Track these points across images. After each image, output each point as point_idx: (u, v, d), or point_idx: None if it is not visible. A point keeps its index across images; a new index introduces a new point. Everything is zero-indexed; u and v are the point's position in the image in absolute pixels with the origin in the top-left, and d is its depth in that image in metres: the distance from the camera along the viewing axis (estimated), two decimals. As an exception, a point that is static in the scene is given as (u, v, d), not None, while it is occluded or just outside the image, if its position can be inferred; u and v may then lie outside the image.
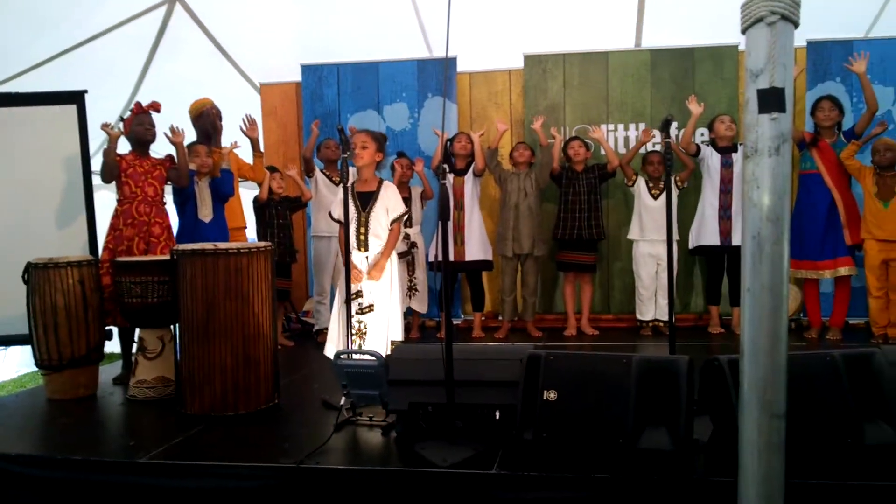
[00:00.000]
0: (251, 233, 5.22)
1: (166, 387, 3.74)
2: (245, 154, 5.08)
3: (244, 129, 4.90)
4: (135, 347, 3.93)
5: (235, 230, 4.85)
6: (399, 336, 3.80)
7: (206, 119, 4.73)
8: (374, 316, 3.74)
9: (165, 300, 3.67)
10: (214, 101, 4.84)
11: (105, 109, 5.07)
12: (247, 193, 5.30)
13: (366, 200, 3.79)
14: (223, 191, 4.57)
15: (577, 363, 2.74)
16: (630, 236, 5.21)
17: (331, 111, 5.78)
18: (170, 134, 4.23)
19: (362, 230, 3.76)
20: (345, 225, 3.58)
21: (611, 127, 5.50)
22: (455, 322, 5.58)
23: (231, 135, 4.94)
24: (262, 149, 5.01)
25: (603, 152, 5.32)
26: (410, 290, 5.20)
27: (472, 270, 5.28)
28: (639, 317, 5.21)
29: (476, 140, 5.16)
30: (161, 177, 4.25)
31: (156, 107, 4.22)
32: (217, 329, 3.34)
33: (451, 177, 5.19)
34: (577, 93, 5.54)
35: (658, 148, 5.31)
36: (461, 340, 4.96)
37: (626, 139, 5.47)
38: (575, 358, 2.77)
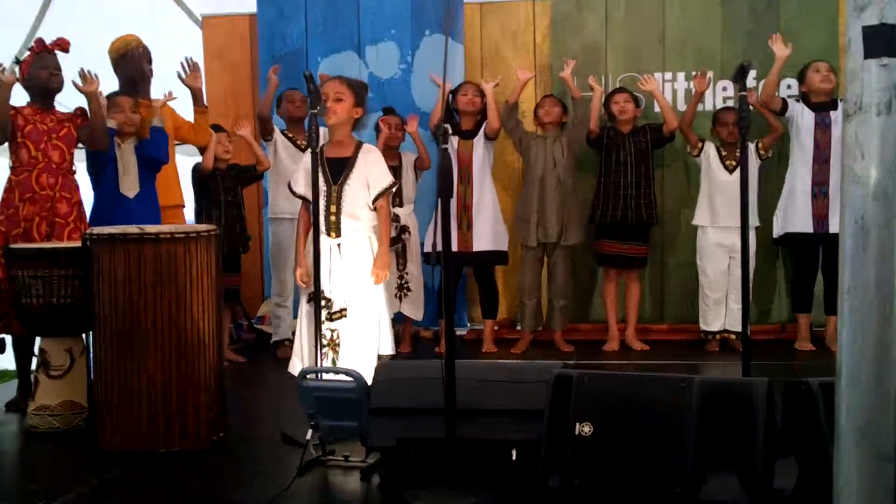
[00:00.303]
0: (190, 213, 5.22)
1: (76, 414, 3.74)
2: (184, 109, 5.07)
3: (182, 76, 4.89)
4: (35, 363, 3.94)
5: (170, 209, 4.84)
6: (386, 350, 3.81)
7: (131, 62, 4.72)
8: (349, 323, 3.74)
9: (75, 301, 3.67)
10: (142, 38, 4.84)
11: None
12: (185, 161, 5.30)
13: (338, 169, 3.78)
14: (154, 156, 4.56)
15: (620, 387, 2.74)
16: (695, 221, 5.21)
17: (296, 53, 5.77)
18: (80, 81, 4.22)
19: (333, 209, 3.76)
20: (312, 202, 3.57)
21: (668, 76, 5.49)
22: (459, 332, 5.59)
23: (165, 84, 4.93)
24: (205, 102, 5.00)
25: (657, 109, 5.31)
26: (401, 289, 5.21)
27: (481, 265, 5.28)
28: (703, 326, 5.22)
29: (489, 92, 5.15)
30: (70, 137, 4.23)
31: (63, 45, 4.20)
32: (144, 339, 3.34)
33: (454, 140, 5.18)
34: (623, 30, 5.53)
35: (731, 104, 5.30)
36: (467, 356, 4.95)
37: (689, 93, 5.45)
38: (617, 380, 2.77)
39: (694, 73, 5.30)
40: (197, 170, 5.00)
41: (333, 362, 3.72)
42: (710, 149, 5.14)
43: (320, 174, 3.63)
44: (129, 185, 4.46)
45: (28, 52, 4.21)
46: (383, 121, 5.16)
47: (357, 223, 3.77)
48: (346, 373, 3.16)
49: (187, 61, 4.88)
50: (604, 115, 5.25)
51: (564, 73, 5.14)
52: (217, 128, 5.08)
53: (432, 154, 5.24)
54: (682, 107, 5.44)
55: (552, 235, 5.12)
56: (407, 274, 5.21)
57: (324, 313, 3.66)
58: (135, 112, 4.48)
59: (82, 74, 4.20)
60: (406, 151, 5.31)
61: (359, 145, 3.84)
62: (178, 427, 3.39)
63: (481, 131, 5.17)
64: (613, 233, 5.16)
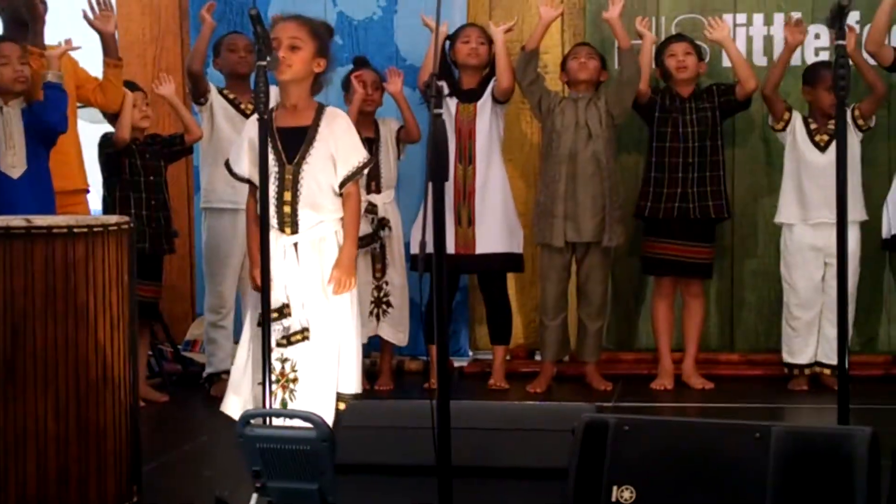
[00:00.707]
0: (97, 201, 5.22)
1: (-61, 472, 3.73)
2: (90, 61, 5.08)
3: (90, 17, 4.89)
4: None
5: (68, 195, 4.84)
6: (348, 388, 3.81)
7: None
8: (309, 350, 3.75)
9: (-61, 318, 3.67)
10: None
11: None
12: (90, 131, 5.31)
13: (294, 143, 3.79)
14: (49, 123, 4.57)
15: (673, 438, 2.74)
16: (779, 218, 5.23)
17: (238, -16, 5.79)
18: None
19: (287, 196, 3.77)
20: (260, 187, 3.58)
21: (740, 19, 5.50)
22: (457, 363, 5.60)
23: (64, 28, 4.93)
24: (118, 53, 5.00)
25: (727, 63, 5.32)
26: (378, 304, 5.22)
27: (488, 272, 5.29)
28: (787, 358, 5.24)
29: (498, 39, 5.16)
30: None
31: None
32: (31, 371, 3.33)
33: (452, 103, 5.19)
34: (682, -42, 5.56)
35: (826, 58, 5.31)
36: (468, 396, 4.96)
37: (769, 41, 5.45)
38: (670, 429, 2.77)
39: (797, 18, 5.26)
40: (107, 142, 5.00)
41: (284, 403, 3.73)
42: (796, 120, 5.15)
43: (270, 150, 3.64)
44: (13, 162, 4.47)
45: None
46: (357, 77, 5.17)
47: (320, 215, 3.78)
48: (304, 417, 3.15)
49: None
50: (655, 72, 5.26)
51: (610, 13, 5.13)
52: (132, 86, 5.09)
53: (422, 123, 5.25)
54: (759, 61, 5.45)
55: (586, 234, 5.12)
56: (387, 284, 5.23)
57: (275, 336, 3.67)
58: (24, 63, 4.48)
59: None
60: (386, 118, 5.32)
61: (320, 109, 3.84)
62: (76, 488, 3.38)
63: (487, 91, 5.19)
64: (668, 230, 5.17)
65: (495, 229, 5.18)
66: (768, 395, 5.05)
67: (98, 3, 4.88)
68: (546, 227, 5.17)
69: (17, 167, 4.47)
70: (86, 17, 4.87)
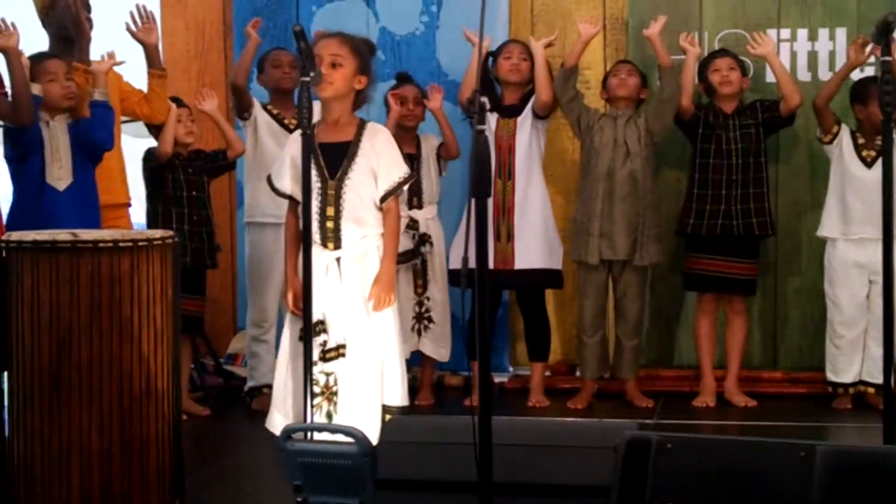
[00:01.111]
0: (139, 214, 5.26)
1: (-15, 483, 3.77)
2: (133, 74, 5.12)
3: (133, 30, 4.94)
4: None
5: (112, 209, 4.89)
6: (394, 400, 3.83)
7: (65, 12, 4.78)
8: (350, 365, 3.76)
9: (-15, 330, 3.71)
10: None
11: None
12: (133, 145, 5.35)
13: (336, 158, 3.82)
14: (97, 140, 4.62)
15: (716, 456, 2.73)
16: (822, 232, 5.20)
17: (283, 1, 5.83)
18: None
19: (330, 211, 3.78)
20: (302, 202, 3.60)
21: (785, 34, 5.48)
22: (498, 379, 5.59)
23: (108, 43, 4.98)
24: (161, 64, 5.05)
25: (771, 79, 5.29)
26: (420, 320, 5.23)
27: (527, 288, 5.28)
28: (831, 376, 5.20)
29: (539, 53, 5.16)
30: None
31: None
32: (75, 384, 3.36)
33: (492, 118, 5.19)
34: (726, -27, 5.54)
35: (871, 73, 5.27)
36: (509, 412, 4.96)
37: (813, 56, 5.43)
38: (713, 447, 2.75)
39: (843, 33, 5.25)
40: (151, 157, 5.04)
41: (329, 416, 3.74)
42: (844, 135, 5.11)
43: (312, 165, 3.67)
44: (60, 175, 4.51)
45: None
46: (394, 94, 5.18)
47: (363, 230, 3.81)
48: (346, 432, 3.16)
49: (140, 10, 4.94)
50: (698, 87, 5.24)
51: (651, 29, 5.13)
52: (177, 102, 5.12)
53: (463, 138, 5.26)
54: (803, 77, 5.42)
55: (621, 251, 5.10)
56: (428, 300, 5.23)
57: (316, 351, 3.68)
58: (70, 79, 4.53)
59: None
60: (427, 134, 5.33)
61: (362, 125, 3.87)
62: (120, 502, 3.40)
63: (528, 106, 5.19)
64: (711, 246, 5.15)
65: (534, 245, 5.17)
66: (812, 414, 5.01)
67: (140, 16, 4.93)
68: (582, 245, 5.16)
69: (63, 180, 4.51)
70: (129, 29, 4.92)
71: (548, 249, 5.20)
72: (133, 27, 4.92)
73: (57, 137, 4.52)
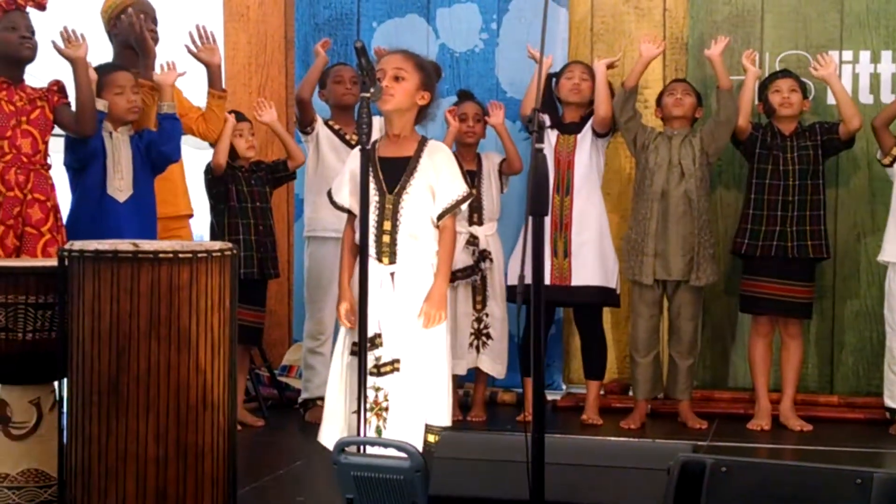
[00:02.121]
0: (201, 226, 5.30)
1: (42, 487, 3.80)
2: (192, 91, 5.18)
3: (193, 49, 4.99)
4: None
5: (173, 220, 4.94)
6: (445, 419, 3.83)
7: (129, 30, 4.82)
8: (401, 380, 3.77)
9: (46, 338, 3.74)
10: None
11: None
12: (196, 157, 5.41)
13: (395, 173, 3.83)
14: (165, 153, 4.67)
15: (771, 481, 2.70)
16: (883, 257, 5.14)
17: (344, 17, 5.88)
18: (61, 44, 4.34)
19: (387, 226, 3.80)
20: (360, 217, 3.62)
21: (847, 56, 5.44)
22: (551, 397, 5.58)
23: (171, 56, 5.03)
24: (222, 85, 5.09)
25: (832, 100, 5.24)
26: (479, 336, 5.23)
27: (583, 306, 5.26)
28: (889, 402, 5.13)
29: (600, 70, 5.15)
30: (44, 120, 4.35)
31: (39, 0, 4.32)
32: (134, 392, 3.38)
33: (552, 135, 5.19)
34: (787, -7, 5.51)
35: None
36: (562, 430, 4.94)
37: (876, 78, 5.38)
38: (768, 471, 2.73)
39: None
40: (209, 171, 5.09)
41: (378, 432, 3.74)
42: (904, 157, 5.06)
43: (371, 179, 3.68)
44: (121, 186, 4.55)
45: None
46: (452, 111, 5.19)
47: (420, 246, 3.81)
48: (398, 446, 3.17)
49: (201, 30, 4.98)
50: (758, 106, 5.21)
51: (712, 50, 5.10)
52: (238, 116, 5.17)
53: (522, 154, 5.26)
54: (865, 99, 5.38)
55: (675, 272, 5.07)
56: (487, 316, 5.22)
57: (370, 365, 3.69)
58: (136, 93, 4.58)
59: (65, 35, 4.32)
60: (489, 152, 5.33)
61: (423, 141, 3.88)
62: (174, 509, 3.44)
63: (588, 124, 5.18)
64: (766, 268, 5.10)
65: (591, 262, 5.15)
66: (868, 440, 4.95)
67: (201, 36, 4.97)
68: (636, 264, 5.14)
69: (123, 191, 4.56)
70: (190, 50, 4.96)
71: (604, 267, 5.17)
72: (194, 47, 4.97)
73: (119, 149, 4.57)
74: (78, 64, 4.31)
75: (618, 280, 5.22)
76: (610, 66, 5.20)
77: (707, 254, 5.10)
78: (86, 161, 4.53)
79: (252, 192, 5.09)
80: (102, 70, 4.60)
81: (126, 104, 4.55)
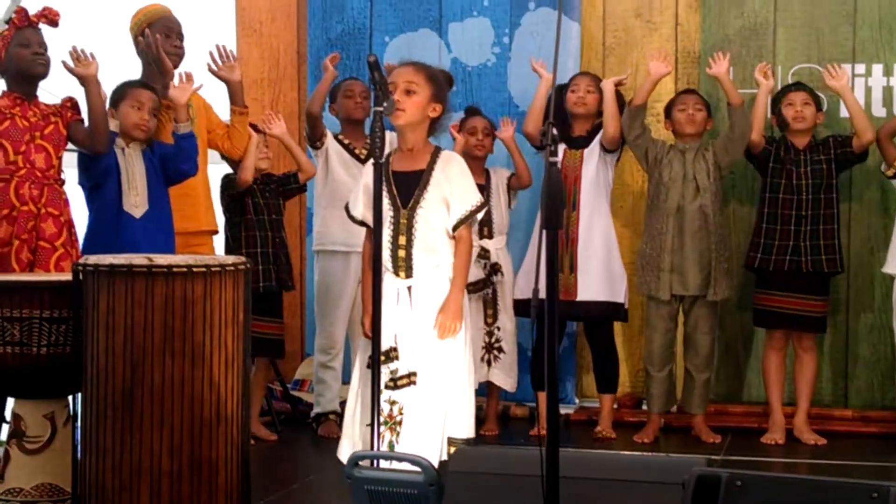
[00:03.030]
0: (221, 243, 5.28)
1: (56, 502, 3.80)
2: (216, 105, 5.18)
3: (215, 69, 5.00)
4: (5, 431, 4.04)
5: (195, 236, 4.91)
6: (462, 432, 3.82)
7: (147, 51, 4.80)
8: (417, 394, 3.77)
9: (61, 352, 3.76)
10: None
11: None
12: (211, 171, 5.41)
13: (409, 186, 3.83)
14: (182, 170, 4.67)
15: (787, 495, 2.68)
16: (888, 269, 5.11)
17: (356, 31, 5.90)
18: (71, 62, 4.35)
19: (402, 240, 3.80)
20: (374, 232, 3.62)
21: (860, 69, 5.43)
22: (564, 411, 5.56)
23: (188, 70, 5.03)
24: (244, 101, 5.08)
25: (845, 113, 5.24)
26: (490, 350, 5.22)
27: (592, 319, 5.25)
28: (904, 416, 5.11)
29: (608, 88, 5.13)
30: (57, 136, 4.37)
31: (51, 17, 4.34)
32: (147, 406, 3.40)
33: (560, 149, 5.14)
34: (801, 4, 5.50)
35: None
36: (575, 444, 4.94)
37: (889, 91, 5.37)
38: (783, 485, 2.71)
39: None
40: (230, 184, 5.08)
41: (391, 447, 3.74)
42: (909, 169, 5.05)
43: (384, 194, 3.68)
44: (136, 202, 4.56)
45: (6, 26, 4.33)
46: (456, 126, 5.17)
47: (436, 258, 3.81)
48: (411, 460, 3.17)
49: (221, 49, 4.99)
50: (770, 119, 5.19)
51: (716, 68, 5.09)
52: (252, 128, 5.16)
53: (535, 169, 5.26)
54: (878, 112, 5.36)
55: (692, 287, 5.06)
56: (498, 330, 5.21)
57: (385, 378, 3.69)
58: (154, 115, 4.57)
59: (74, 54, 4.34)
60: (497, 167, 5.33)
61: (436, 153, 3.88)
62: (188, 524, 3.44)
63: (596, 139, 5.17)
64: (780, 283, 5.09)
65: (597, 277, 5.12)
66: (883, 454, 4.92)
67: (221, 55, 4.98)
68: (652, 280, 5.12)
69: (139, 207, 4.56)
70: (210, 69, 4.97)
71: (610, 282, 5.15)
72: (214, 66, 4.98)
73: (133, 165, 4.57)
74: (89, 82, 4.33)
75: (626, 294, 5.21)
76: (618, 84, 5.18)
77: (722, 268, 5.08)
78: (100, 179, 4.53)
79: (267, 204, 5.09)
80: (129, 84, 4.62)
81: (137, 119, 4.53)
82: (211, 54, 4.97)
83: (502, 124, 5.26)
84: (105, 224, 4.54)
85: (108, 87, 4.55)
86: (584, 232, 5.15)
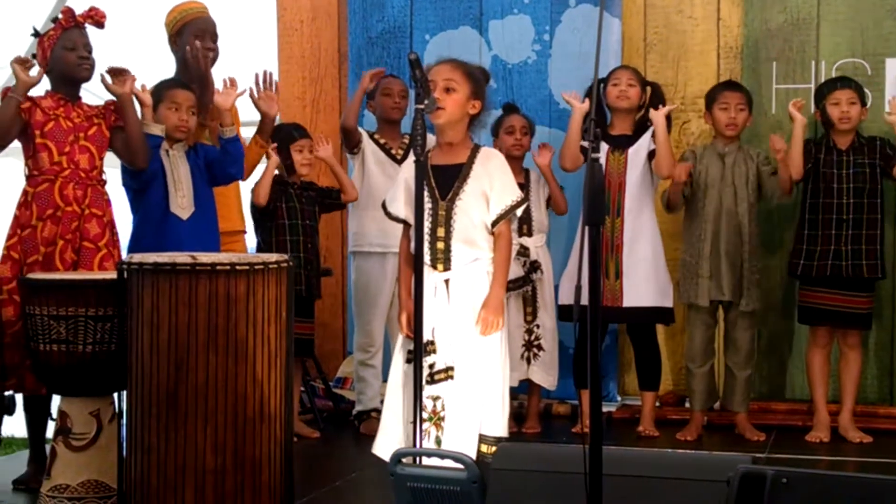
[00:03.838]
0: (251, 241, 5.31)
1: (102, 498, 3.84)
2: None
3: (255, 97, 4.95)
4: (52, 429, 4.06)
5: (228, 235, 4.94)
6: (500, 430, 3.82)
7: (195, 59, 4.80)
8: (456, 388, 3.77)
9: (106, 350, 3.79)
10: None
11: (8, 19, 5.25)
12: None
13: (448, 180, 3.84)
14: (231, 173, 4.70)
15: (833, 492, 2.66)
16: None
17: (397, 30, 5.91)
18: (108, 77, 4.36)
19: (440, 232, 3.80)
20: (416, 226, 3.62)
21: (908, 66, 5.38)
22: (606, 409, 5.55)
23: (224, 70, 5.03)
24: (269, 135, 5.00)
25: (891, 114, 5.19)
26: (529, 348, 5.21)
27: (637, 324, 5.24)
28: (949, 413, 5.05)
29: (659, 123, 4.98)
30: (101, 137, 4.37)
31: (97, 18, 4.36)
32: (191, 404, 3.43)
33: (602, 151, 5.12)
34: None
35: None
36: (618, 442, 4.92)
37: (934, 88, 5.33)
38: (830, 483, 2.69)
39: None
40: (253, 204, 5.05)
41: (438, 442, 3.74)
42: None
43: (425, 188, 3.69)
44: (183, 204, 4.58)
45: (52, 26, 4.32)
46: (499, 135, 5.15)
47: (474, 252, 3.81)
48: (455, 457, 3.17)
49: (266, 76, 4.96)
50: (815, 114, 5.13)
51: (657, 117, 4.98)
52: (301, 131, 5.15)
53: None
54: (921, 109, 5.32)
55: (729, 293, 5.02)
56: (538, 328, 5.21)
57: (424, 373, 3.69)
58: (192, 114, 4.58)
59: (113, 71, 4.34)
60: (533, 170, 5.30)
61: (476, 149, 3.89)
62: (232, 520, 3.46)
63: (640, 144, 5.10)
64: (824, 281, 5.03)
65: (644, 283, 5.08)
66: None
67: (264, 81, 4.94)
68: (691, 288, 5.07)
69: (186, 209, 4.58)
70: (251, 95, 4.92)
71: (657, 287, 5.11)
72: (255, 93, 4.93)
73: (178, 167, 4.58)
74: (124, 101, 4.33)
75: (672, 297, 5.17)
76: (667, 114, 5.04)
77: (754, 279, 5.04)
78: (146, 183, 4.54)
79: (303, 210, 5.07)
80: (164, 84, 4.63)
81: (176, 121, 4.54)
82: (256, 77, 4.93)
83: (540, 149, 5.22)
84: (152, 226, 4.55)
85: (148, 84, 4.55)
86: (629, 238, 5.10)
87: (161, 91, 4.58)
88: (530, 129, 5.25)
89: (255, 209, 5.05)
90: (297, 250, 5.00)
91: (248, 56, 5.08)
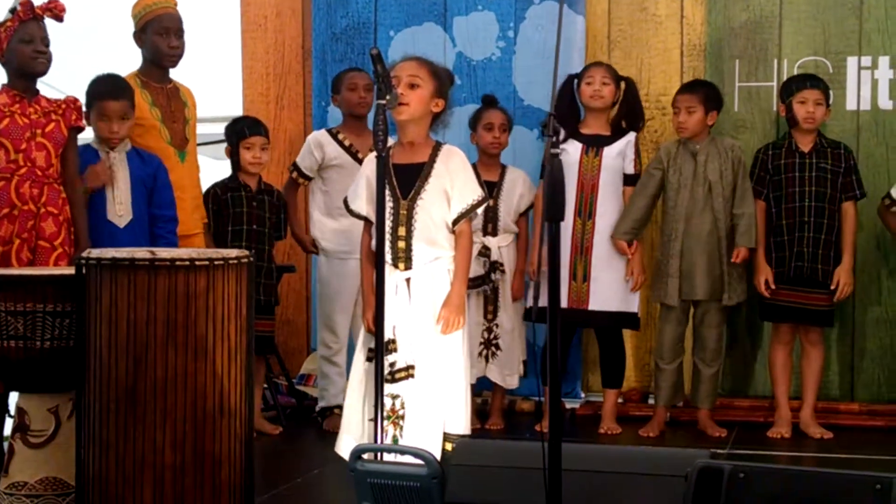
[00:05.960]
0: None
1: (60, 496, 3.82)
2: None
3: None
4: (9, 425, 4.05)
5: (185, 239, 4.86)
6: (463, 427, 3.82)
7: (159, 33, 4.80)
8: (417, 387, 3.77)
9: (63, 346, 3.76)
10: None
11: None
12: (211, 167, 5.40)
13: (409, 179, 3.83)
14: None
15: (790, 488, 2.68)
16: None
17: (361, 25, 5.89)
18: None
19: (401, 231, 3.79)
20: (376, 223, 3.62)
21: (866, 62, 5.42)
22: (570, 405, 5.56)
23: (187, 65, 5.01)
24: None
25: (852, 106, 5.24)
26: (487, 346, 5.21)
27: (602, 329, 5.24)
28: (911, 409, 5.09)
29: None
30: (58, 134, 4.30)
31: (56, 10, 4.31)
32: (150, 400, 3.40)
33: (574, 150, 5.10)
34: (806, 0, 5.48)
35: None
36: (580, 439, 4.93)
37: (895, 84, 5.36)
38: (787, 478, 2.72)
39: None
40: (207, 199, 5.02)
41: (395, 440, 3.74)
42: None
43: (386, 186, 3.67)
44: (119, 210, 4.56)
45: (9, 17, 4.24)
46: (476, 129, 5.15)
47: (436, 251, 3.82)
48: (415, 453, 3.17)
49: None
50: (780, 108, 5.11)
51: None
52: (258, 126, 5.07)
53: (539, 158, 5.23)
54: (885, 105, 5.37)
55: (701, 292, 5.02)
56: (497, 327, 5.18)
57: (385, 371, 3.69)
58: (125, 119, 4.52)
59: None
60: (515, 168, 5.28)
61: (437, 147, 3.89)
62: (192, 517, 3.44)
63: (616, 149, 5.08)
64: (787, 279, 5.05)
65: (611, 288, 5.08)
66: (889, 447, 4.89)
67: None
68: (661, 287, 5.09)
69: (123, 216, 4.54)
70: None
71: (624, 293, 5.11)
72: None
73: (117, 172, 4.54)
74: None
75: (639, 303, 5.18)
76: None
77: (737, 273, 5.05)
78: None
79: (251, 214, 4.98)
80: (96, 92, 4.54)
81: (107, 133, 4.52)
82: None
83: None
84: (93, 234, 4.45)
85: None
86: (599, 241, 5.10)
87: (92, 98, 4.52)
88: (509, 126, 5.22)
89: (212, 203, 5.00)
90: (252, 245, 4.92)
91: (211, 52, 5.04)
